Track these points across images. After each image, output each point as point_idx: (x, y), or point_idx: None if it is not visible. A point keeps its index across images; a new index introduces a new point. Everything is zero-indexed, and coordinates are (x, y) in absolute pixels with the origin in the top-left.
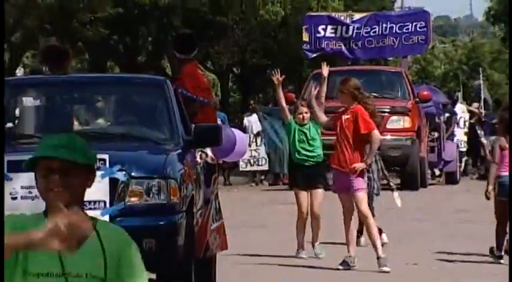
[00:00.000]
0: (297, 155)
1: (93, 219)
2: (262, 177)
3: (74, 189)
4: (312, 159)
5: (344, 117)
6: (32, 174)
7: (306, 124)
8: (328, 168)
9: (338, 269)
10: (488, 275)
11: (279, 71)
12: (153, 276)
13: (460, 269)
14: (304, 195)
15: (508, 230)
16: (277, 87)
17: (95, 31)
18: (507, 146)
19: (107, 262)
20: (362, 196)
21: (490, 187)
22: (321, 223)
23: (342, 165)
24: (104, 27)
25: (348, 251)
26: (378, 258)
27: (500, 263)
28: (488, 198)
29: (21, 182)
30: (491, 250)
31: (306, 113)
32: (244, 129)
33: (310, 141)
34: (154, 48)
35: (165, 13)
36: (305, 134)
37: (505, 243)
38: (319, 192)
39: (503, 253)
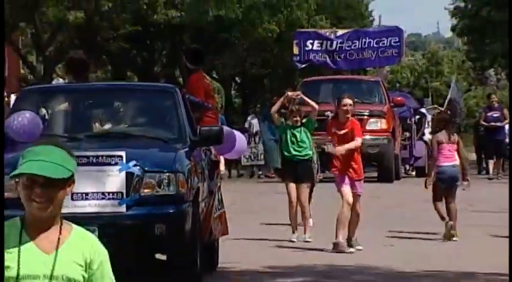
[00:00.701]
0: (287, 154)
1: (71, 226)
2: (260, 172)
3: (56, 201)
4: (300, 158)
5: (342, 132)
6: None
7: (298, 127)
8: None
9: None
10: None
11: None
12: (164, 257)
13: (425, 247)
14: (292, 186)
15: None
16: (283, 99)
17: (117, 46)
18: (444, 140)
19: (82, 266)
20: (360, 199)
21: (430, 178)
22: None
23: (348, 171)
24: (124, 43)
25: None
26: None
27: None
28: (426, 187)
29: None
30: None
31: (299, 116)
32: (247, 129)
33: (300, 143)
34: (168, 60)
35: (177, 30)
36: (296, 136)
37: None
38: (304, 186)
39: (447, 220)
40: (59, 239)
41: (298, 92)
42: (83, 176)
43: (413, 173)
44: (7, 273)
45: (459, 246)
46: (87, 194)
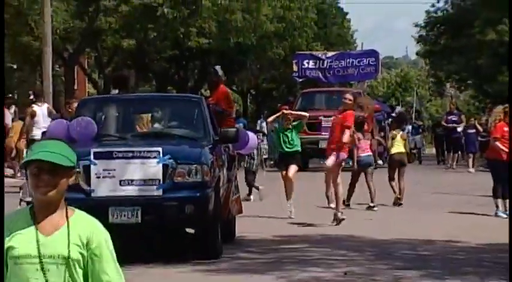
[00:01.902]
0: (281, 150)
1: (74, 211)
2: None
3: (59, 187)
4: (291, 153)
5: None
6: (107, 161)
7: (289, 129)
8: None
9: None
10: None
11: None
12: (192, 231)
13: (396, 220)
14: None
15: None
16: (279, 115)
17: (160, 66)
18: (360, 137)
19: (79, 245)
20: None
21: (355, 164)
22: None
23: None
24: (165, 63)
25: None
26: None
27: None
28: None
29: (103, 166)
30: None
31: (290, 120)
32: (260, 130)
33: (291, 142)
34: (199, 77)
35: (206, 54)
36: (288, 137)
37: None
38: (293, 166)
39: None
40: (58, 222)
41: (290, 112)
42: (129, 167)
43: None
44: (11, 253)
45: (422, 219)
46: (132, 180)
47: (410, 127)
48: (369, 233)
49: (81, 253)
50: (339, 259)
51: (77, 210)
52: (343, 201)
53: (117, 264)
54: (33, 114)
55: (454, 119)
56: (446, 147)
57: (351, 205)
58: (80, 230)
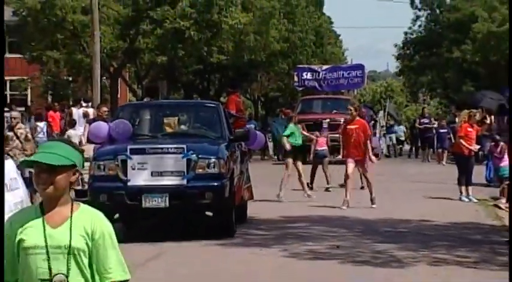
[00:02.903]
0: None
1: (79, 205)
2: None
3: (56, 184)
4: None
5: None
6: (141, 156)
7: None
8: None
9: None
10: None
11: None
12: (211, 214)
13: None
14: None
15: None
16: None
17: (187, 78)
18: (318, 135)
19: (84, 236)
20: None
21: (311, 155)
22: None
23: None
24: (192, 76)
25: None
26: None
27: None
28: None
29: (137, 160)
30: (308, 184)
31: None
32: (268, 131)
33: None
34: (219, 87)
35: (224, 68)
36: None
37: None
38: (299, 163)
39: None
40: (64, 215)
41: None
42: (159, 161)
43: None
44: (22, 245)
45: (400, 203)
46: (161, 172)
47: (400, 128)
48: (357, 214)
49: (86, 243)
50: (332, 235)
51: (82, 205)
52: (307, 184)
53: (119, 253)
54: (70, 113)
55: (426, 121)
56: (421, 145)
57: (314, 188)
58: (85, 222)
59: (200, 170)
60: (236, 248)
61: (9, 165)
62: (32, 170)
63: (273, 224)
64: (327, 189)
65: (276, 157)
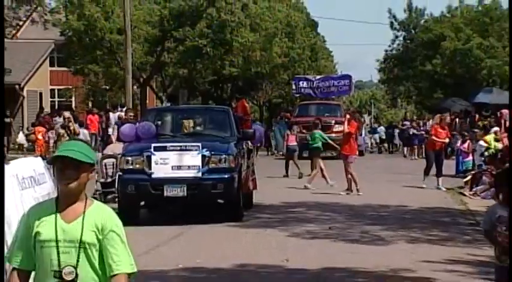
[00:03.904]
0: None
1: (93, 201)
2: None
3: (80, 180)
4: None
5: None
6: (163, 152)
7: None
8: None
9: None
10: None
11: None
12: (222, 201)
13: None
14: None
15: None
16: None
17: (204, 87)
18: (289, 132)
19: (95, 231)
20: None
21: (284, 150)
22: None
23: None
24: (208, 85)
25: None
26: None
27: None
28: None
29: (160, 156)
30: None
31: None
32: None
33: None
34: (230, 94)
35: (235, 79)
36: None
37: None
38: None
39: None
40: (78, 211)
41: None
42: (178, 156)
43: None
44: (38, 238)
45: (382, 191)
46: (180, 166)
47: (381, 128)
48: (346, 201)
49: (97, 238)
50: (326, 218)
51: (96, 201)
52: (284, 175)
53: (127, 246)
54: (107, 117)
55: (406, 123)
56: (403, 143)
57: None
58: (97, 218)
59: (213, 165)
60: (244, 229)
61: (38, 162)
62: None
63: (276, 209)
64: (300, 177)
65: (279, 153)
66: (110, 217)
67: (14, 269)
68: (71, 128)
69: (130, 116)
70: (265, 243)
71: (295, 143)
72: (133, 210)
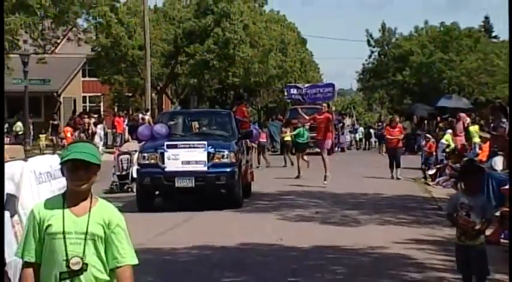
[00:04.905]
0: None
1: (98, 199)
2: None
3: (91, 180)
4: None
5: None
6: (175, 150)
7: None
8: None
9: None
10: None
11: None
12: (225, 191)
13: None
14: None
15: None
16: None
17: (211, 94)
18: (261, 131)
19: (102, 225)
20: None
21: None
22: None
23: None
24: (214, 92)
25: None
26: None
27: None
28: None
29: (172, 152)
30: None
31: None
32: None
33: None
34: (233, 100)
35: (236, 87)
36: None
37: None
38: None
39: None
40: (86, 206)
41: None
42: (187, 153)
43: (339, 150)
44: (49, 230)
45: (360, 182)
46: (189, 161)
47: (360, 129)
48: (330, 190)
49: (104, 231)
50: (313, 204)
51: (100, 199)
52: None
53: (129, 239)
54: (133, 119)
55: (380, 124)
56: (378, 141)
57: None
58: (103, 214)
59: (217, 160)
60: (244, 214)
61: (54, 159)
62: None
63: (271, 197)
64: (267, 167)
65: (272, 149)
66: (115, 213)
67: (26, 262)
68: (89, 131)
69: (144, 119)
70: (262, 226)
71: (265, 140)
72: (149, 199)
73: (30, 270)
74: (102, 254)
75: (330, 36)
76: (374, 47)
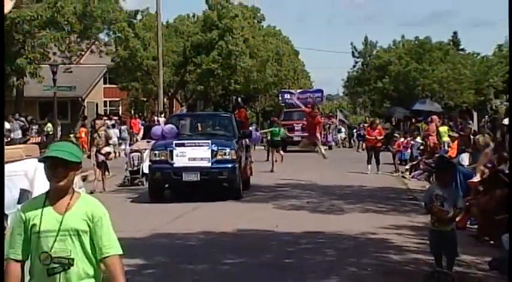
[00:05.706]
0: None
1: (80, 194)
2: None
3: (69, 177)
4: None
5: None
6: (182, 148)
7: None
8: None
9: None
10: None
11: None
12: (227, 184)
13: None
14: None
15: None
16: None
17: (215, 99)
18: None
19: (85, 220)
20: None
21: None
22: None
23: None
24: (218, 97)
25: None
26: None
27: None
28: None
29: (180, 150)
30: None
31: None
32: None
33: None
34: (234, 105)
35: (238, 93)
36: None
37: None
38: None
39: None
40: (69, 203)
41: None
42: (193, 151)
43: (327, 148)
44: (34, 230)
45: (346, 176)
46: (195, 158)
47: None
48: (320, 182)
49: (88, 225)
50: (305, 195)
51: (83, 194)
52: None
53: (113, 232)
54: (151, 120)
55: (362, 125)
56: (357, 140)
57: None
58: (87, 208)
59: (219, 157)
60: (244, 204)
61: None
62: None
63: (268, 189)
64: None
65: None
66: (97, 206)
67: (10, 259)
68: (100, 133)
69: (153, 121)
70: (260, 214)
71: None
72: (160, 191)
73: (14, 267)
74: (89, 248)
75: (319, 48)
76: (358, 57)
